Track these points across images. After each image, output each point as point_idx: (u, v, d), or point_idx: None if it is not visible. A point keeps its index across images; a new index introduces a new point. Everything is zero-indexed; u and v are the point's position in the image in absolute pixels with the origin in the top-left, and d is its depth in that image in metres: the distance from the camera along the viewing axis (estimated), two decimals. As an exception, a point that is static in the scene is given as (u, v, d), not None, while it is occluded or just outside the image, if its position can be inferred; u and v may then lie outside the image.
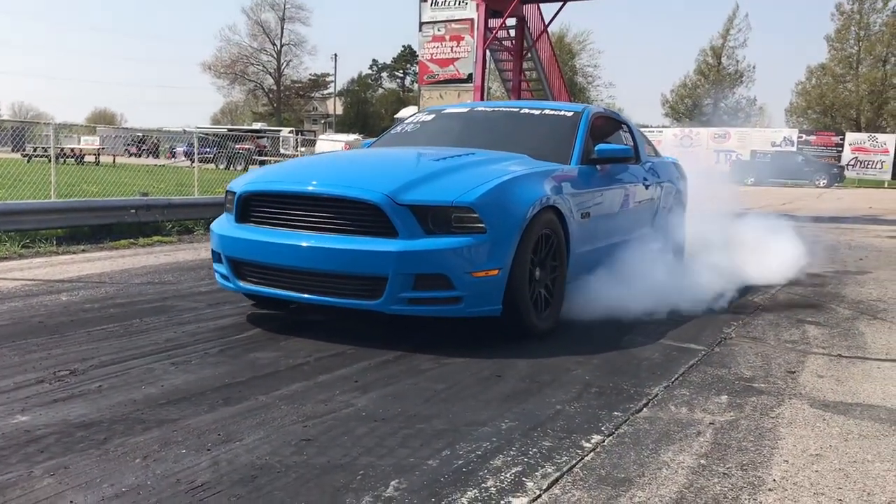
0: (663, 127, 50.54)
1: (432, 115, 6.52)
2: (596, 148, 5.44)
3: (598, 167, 5.47)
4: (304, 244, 4.22)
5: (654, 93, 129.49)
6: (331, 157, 5.85)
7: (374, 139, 6.70)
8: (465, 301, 4.18)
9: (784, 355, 4.49)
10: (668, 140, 41.51)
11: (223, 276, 4.73)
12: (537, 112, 6.12)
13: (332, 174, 4.68)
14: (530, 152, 5.22)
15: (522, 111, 6.24)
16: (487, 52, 18.08)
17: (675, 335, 4.82)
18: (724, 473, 2.75)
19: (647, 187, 6.35)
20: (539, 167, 4.92)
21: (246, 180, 4.78)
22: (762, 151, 39.22)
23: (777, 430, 3.21)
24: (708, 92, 58.13)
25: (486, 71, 18.58)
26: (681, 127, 47.97)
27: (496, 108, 6.47)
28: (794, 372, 4.14)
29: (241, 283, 4.62)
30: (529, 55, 18.65)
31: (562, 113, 6.00)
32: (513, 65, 18.75)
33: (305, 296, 4.34)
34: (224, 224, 4.79)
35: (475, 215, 4.16)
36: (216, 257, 4.78)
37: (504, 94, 23.70)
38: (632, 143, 6.44)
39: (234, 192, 4.69)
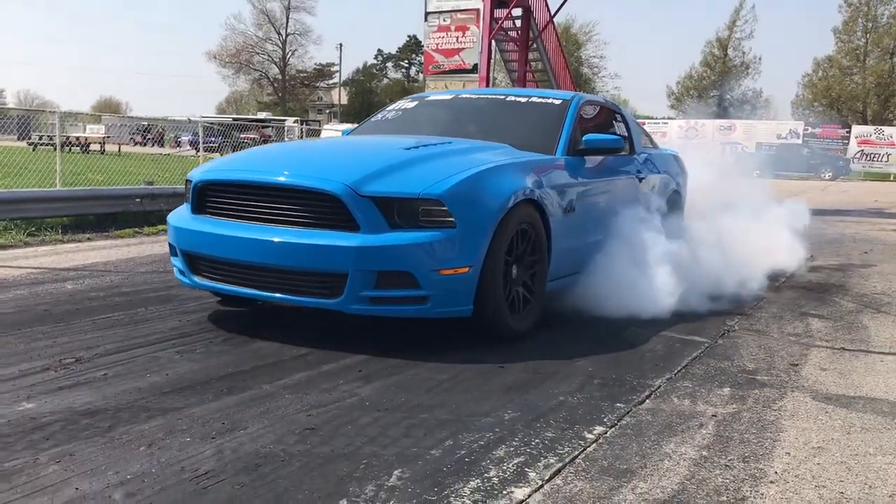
0: (669, 118, 50.40)
1: (415, 103, 6.25)
2: (584, 138, 5.19)
3: (586, 158, 5.24)
4: (260, 237, 3.98)
5: (659, 84, 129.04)
6: (296, 145, 5.57)
7: (354, 127, 6.51)
8: (431, 301, 3.93)
9: (787, 348, 4.49)
10: (673, 132, 41.34)
11: (180, 270, 4.50)
12: (524, 99, 5.88)
13: (293, 163, 4.42)
14: (515, 141, 5.00)
15: (508, 98, 5.96)
16: (493, 43, 18.02)
17: (678, 327, 4.81)
18: (726, 465, 2.75)
19: (640, 180, 6.07)
20: (519, 157, 4.71)
21: (204, 168, 4.57)
22: (768, 144, 39.09)
23: (779, 423, 3.22)
24: (714, 84, 57.94)
25: (492, 61, 18.52)
26: (686, 119, 47.78)
27: (481, 96, 6.24)
28: (797, 365, 4.14)
29: (197, 279, 4.37)
30: (535, 46, 18.57)
31: (549, 101, 5.74)
32: (518, 55, 18.67)
33: (262, 293, 4.12)
34: (180, 215, 4.57)
35: (444, 208, 3.91)
36: (172, 251, 4.55)
37: (509, 85, 23.67)
38: (626, 134, 6.19)
39: (191, 181, 4.48)
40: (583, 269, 5.11)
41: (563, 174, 4.93)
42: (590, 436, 2.98)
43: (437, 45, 19.00)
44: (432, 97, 6.44)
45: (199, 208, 4.42)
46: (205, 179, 4.39)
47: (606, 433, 3.02)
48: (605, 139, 5.26)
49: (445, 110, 6.01)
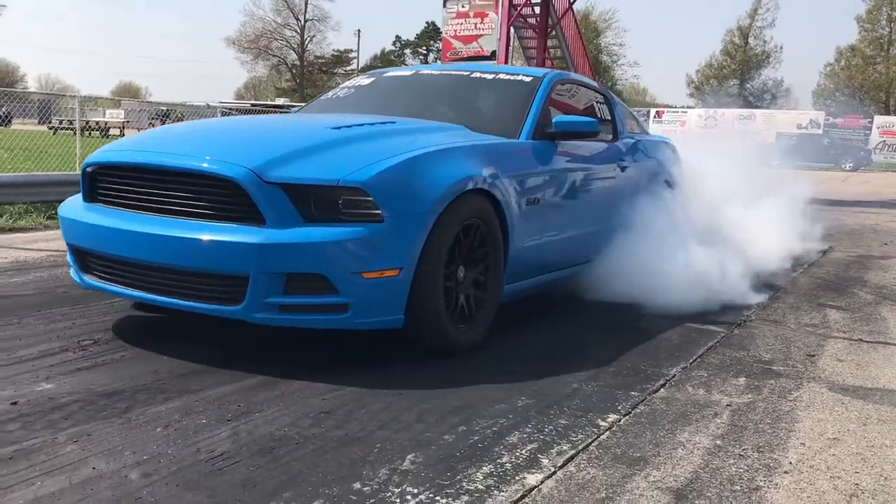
0: (688, 107, 50.03)
1: (371, 79, 5.62)
2: (554, 120, 4.56)
3: (557, 144, 4.62)
4: (148, 231, 3.38)
5: (679, 73, 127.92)
6: (211, 123, 4.92)
7: (302, 106, 5.99)
8: (352, 309, 3.32)
9: (804, 339, 4.47)
10: (692, 121, 41.11)
11: (73, 268, 3.96)
12: (490, 76, 5.23)
13: (195, 142, 3.76)
14: (475, 122, 4.45)
15: (473, 75, 5.31)
16: (511, 30, 17.95)
17: (693, 317, 4.79)
18: (740, 455, 2.75)
19: (623, 169, 5.47)
20: (472, 140, 4.09)
21: (101, 149, 3.96)
22: (788, 134, 38.73)
23: (795, 413, 3.20)
24: (734, 72, 57.44)
25: (510, 48, 18.45)
26: (705, 108, 47.36)
27: (443, 72, 5.62)
28: (814, 355, 4.12)
29: (87, 278, 3.80)
30: (554, 33, 18.48)
31: (518, 78, 5.10)
32: (537, 42, 18.58)
33: (153, 296, 3.51)
34: (70, 205, 3.97)
35: (369, 199, 3.29)
36: (66, 244, 3.98)
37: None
38: (608, 117, 5.63)
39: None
40: (552, 270, 4.68)
41: (527, 161, 4.35)
42: (603, 423, 2.98)
43: (456, 31, 18.98)
44: (391, 73, 5.80)
45: (90, 196, 3.85)
46: (94, 162, 3.82)
47: (620, 421, 3.02)
48: (578, 121, 4.66)
49: (403, 88, 5.43)
